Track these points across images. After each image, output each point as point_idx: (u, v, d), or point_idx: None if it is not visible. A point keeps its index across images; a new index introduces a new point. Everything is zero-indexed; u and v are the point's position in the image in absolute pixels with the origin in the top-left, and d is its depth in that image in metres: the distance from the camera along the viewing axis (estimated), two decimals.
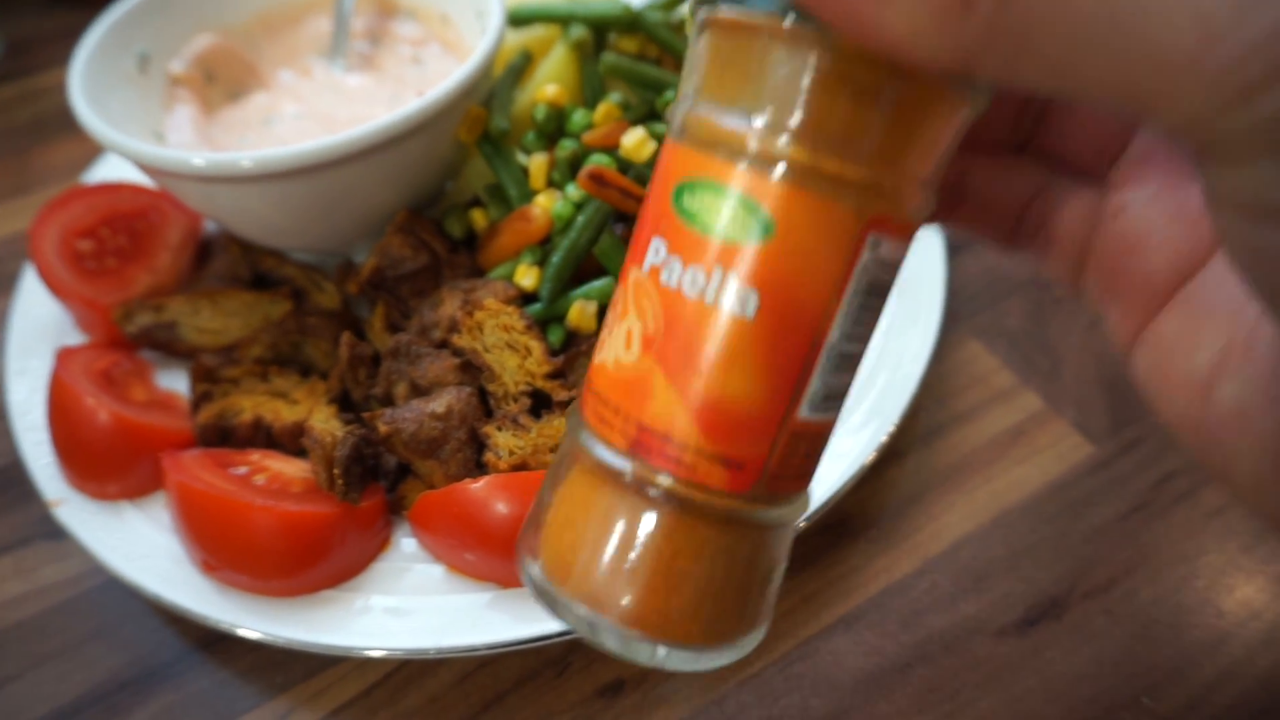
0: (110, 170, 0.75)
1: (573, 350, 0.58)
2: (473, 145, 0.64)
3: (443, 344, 0.58)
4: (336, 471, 0.49)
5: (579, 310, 0.58)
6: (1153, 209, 0.29)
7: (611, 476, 0.29)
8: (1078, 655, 0.53)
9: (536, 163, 0.62)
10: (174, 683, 0.52)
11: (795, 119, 0.26)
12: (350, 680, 0.52)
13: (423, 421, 0.52)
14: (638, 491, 0.28)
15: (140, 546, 0.52)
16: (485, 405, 0.55)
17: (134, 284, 0.63)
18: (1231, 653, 0.52)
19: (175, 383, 0.61)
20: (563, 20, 0.67)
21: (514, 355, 0.55)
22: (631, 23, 0.67)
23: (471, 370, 0.56)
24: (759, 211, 0.26)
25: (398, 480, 0.54)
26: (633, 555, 0.28)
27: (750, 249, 0.26)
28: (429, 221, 0.63)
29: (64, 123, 0.91)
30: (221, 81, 0.72)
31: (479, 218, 0.64)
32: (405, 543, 0.53)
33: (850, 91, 0.25)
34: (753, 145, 0.26)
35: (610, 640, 0.29)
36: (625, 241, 0.60)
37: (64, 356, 0.57)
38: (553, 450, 0.53)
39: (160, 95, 0.69)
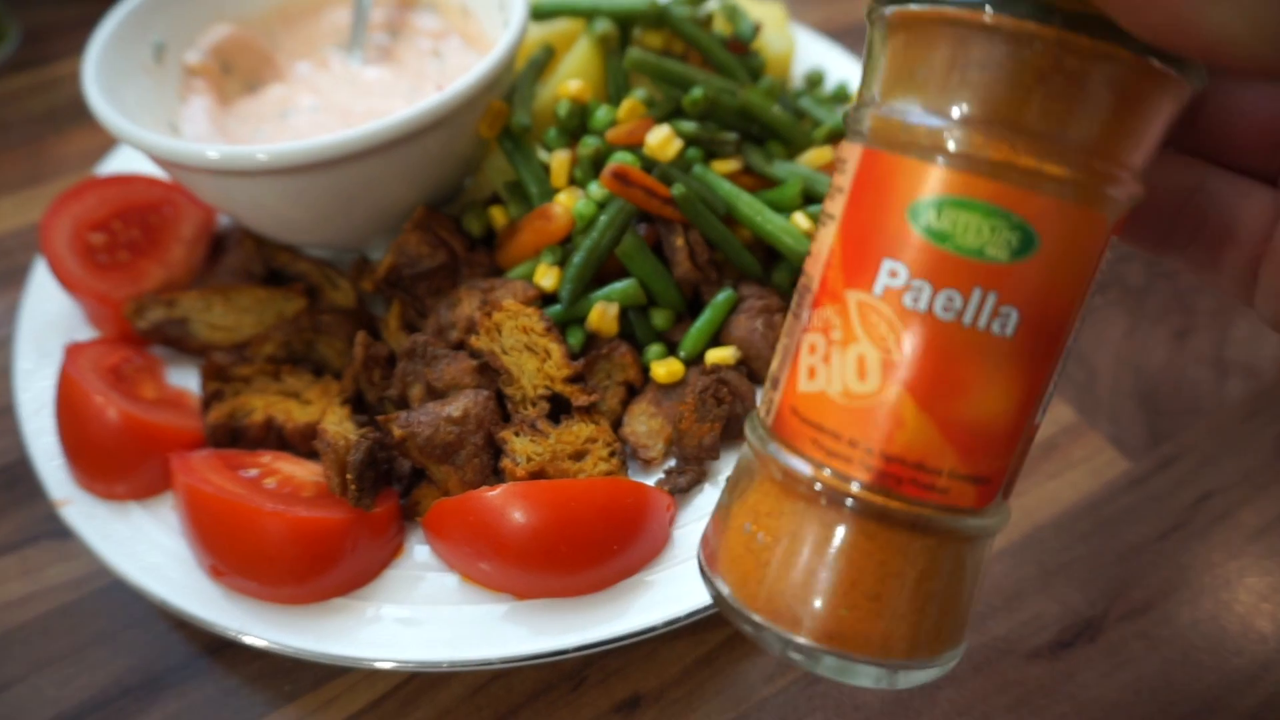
0: (124, 162, 0.73)
1: (593, 354, 0.56)
2: (493, 141, 0.63)
3: (460, 345, 0.56)
4: (349, 476, 0.48)
5: (600, 312, 0.57)
6: None
7: (837, 506, 0.28)
8: (1113, 680, 0.51)
9: (558, 160, 0.60)
10: (179, 689, 0.51)
11: (1066, 132, 0.25)
12: (360, 690, 0.51)
13: (438, 425, 0.50)
14: (878, 519, 0.27)
15: (147, 549, 0.51)
16: (503, 409, 0.54)
17: (146, 278, 0.62)
18: (1275, 681, 0.50)
19: (187, 380, 0.60)
20: (587, 14, 0.65)
21: (533, 358, 0.54)
22: (657, 17, 0.65)
23: (489, 373, 0.54)
24: (1025, 228, 0.25)
25: (411, 485, 0.53)
26: (867, 580, 0.28)
27: (1015, 267, 0.25)
28: (447, 219, 0.62)
29: (79, 113, 0.91)
30: (238, 73, 0.70)
31: (498, 215, 0.62)
32: (418, 550, 0.51)
33: (1112, 95, 0.25)
34: (1018, 161, 0.25)
35: (829, 664, 0.28)
36: (647, 242, 0.58)
37: (72, 352, 0.56)
38: (571, 457, 0.51)
39: (176, 86, 0.68)
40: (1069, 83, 0.25)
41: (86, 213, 0.62)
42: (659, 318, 0.58)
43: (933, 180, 0.26)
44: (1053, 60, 0.24)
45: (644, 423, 0.55)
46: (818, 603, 0.28)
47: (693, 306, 0.60)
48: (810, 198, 0.61)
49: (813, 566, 0.28)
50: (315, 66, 0.71)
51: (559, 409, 0.54)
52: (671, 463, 0.54)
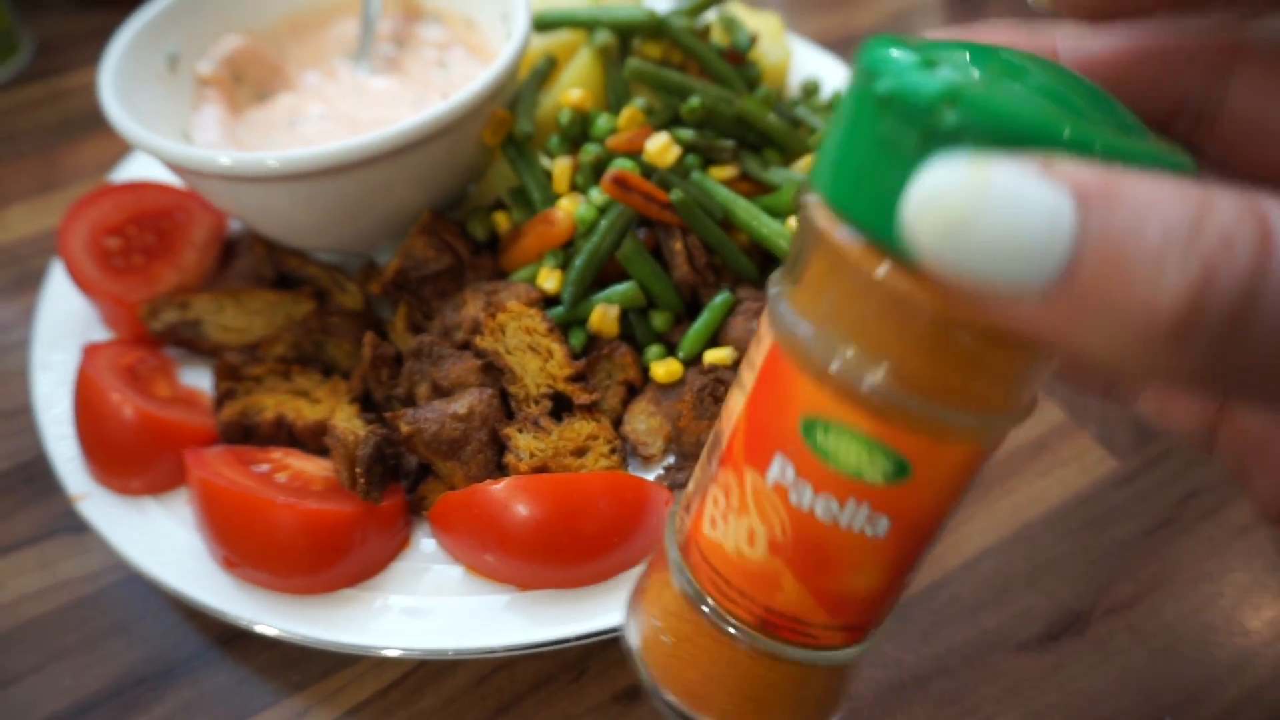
0: (137, 169, 0.75)
1: (594, 354, 0.58)
2: (497, 148, 0.64)
3: (465, 345, 0.58)
4: (359, 470, 0.49)
5: (601, 314, 0.58)
6: None
7: (728, 635, 0.31)
8: (1099, 672, 0.52)
9: (560, 166, 0.62)
10: (191, 678, 0.53)
11: (947, 386, 0.25)
12: (367, 680, 0.52)
13: (444, 422, 0.52)
14: (761, 648, 0.31)
15: (162, 542, 0.53)
16: (506, 407, 0.55)
17: (160, 281, 0.64)
18: (1257, 673, 0.52)
19: (199, 380, 0.61)
20: (588, 25, 0.67)
21: (536, 358, 0.55)
22: (656, 28, 0.67)
23: (493, 372, 0.56)
24: (900, 461, 0.26)
25: (418, 480, 0.54)
26: (750, 687, 0.32)
27: (887, 488, 0.27)
28: (452, 223, 0.63)
29: (91, 122, 0.93)
30: (248, 82, 0.72)
31: (502, 220, 0.64)
32: (425, 543, 0.53)
33: (1000, 361, 0.25)
34: (892, 399, 0.25)
35: None
36: (647, 246, 0.60)
37: (90, 352, 0.57)
38: (573, 454, 0.53)
39: (188, 95, 0.70)
40: (957, 353, 0.24)
41: (102, 218, 0.64)
42: (658, 319, 0.60)
43: (820, 401, 0.26)
44: (943, 333, 0.24)
45: (644, 421, 0.57)
46: (714, 696, 0.32)
47: (691, 309, 0.62)
48: None
49: (707, 670, 0.32)
50: (324, 76, 0.73)
51: (561, 407, 0.55)
52: (670, 459, 0.56)
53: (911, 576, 0.31)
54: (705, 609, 0.31)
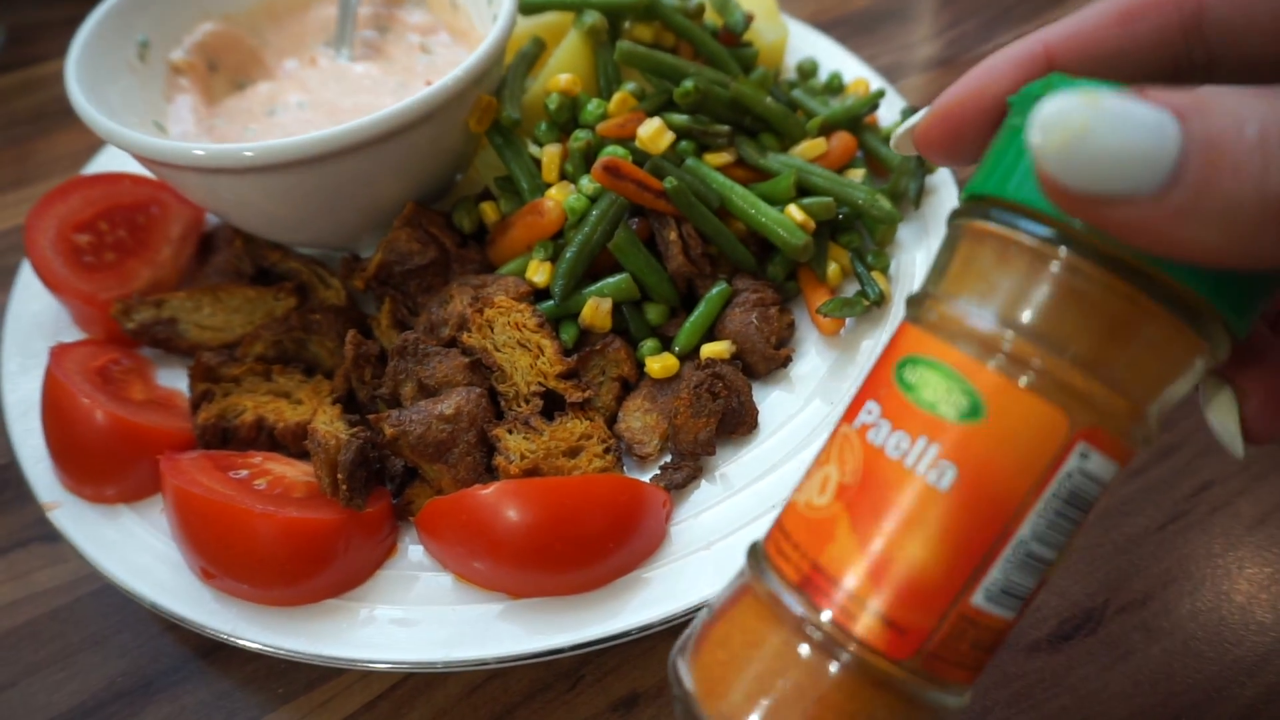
0: (111, 162, 0.73)
1: (586, 349, 0.56)
2: (483, 136, 0.62)
3: (451, 342, 0.55)
4: (340, 476, 0.47)
5: (593, 308, 0.56)
6: None
7: (775, 610, 0.30)
8: (1113, 673, 0.50)
9: (549, 154, 0.60)
10: (171, 693, 0.51)
11: (1029, 322, 0.28)
12: (355, 692, 0.50)
13: (430, 423, 0.50)
14: (797, 630, 0.29)
15: (138, 552, 0.50)
16: (495, 406, 0.53)
17: (133, 279, 0.61)
18: (1275, 670, 0.50)
19: (177, 381, 0.59)
20: (576, 7, 0.65)
21: (525, 354, 0.53)
22: (647, 9, 0.64)
23: (481, 370, 0.53)
24: (972, 393, 0.28)
25: (404, 484, 0.52)
26: (776, 693, 0.29)
27: (957, 426, 0.28)
28: (438, 215, 0.61)
29: (66, 113, 0.89)
30: (224, 70, 0.70)
31: (489, 211, 0.62)
32: (412, 550, 0.51)
33: (1093, 315, 0.27)
34: (979, 336, 0.28)
35: None
36: (640, 236, 0.57)
37: (58, 353, 0.55)
38: (566, 454, 0.51)
39: (161, 84, 0.67)
40: (1056, 298, 0.27)
41: (71, 213, 0.61)
42: (653, 312, 0.58)
43: (917, 342, 0.30)
44: (1057, 282, 0.27)
45: (639, 418, 0.54)
46: (728, 683, 0.30)
47: (687, 300, 0.60)
48: (804, 190, 0.61)
49: (736, 655, 0.31)
50: (303, 64, 0.71)
51: (553, 406, 0.53)
52: (667, 458, 0.54)
53: (967, 587, 0.28)
54: (758, 570, 0.31)
